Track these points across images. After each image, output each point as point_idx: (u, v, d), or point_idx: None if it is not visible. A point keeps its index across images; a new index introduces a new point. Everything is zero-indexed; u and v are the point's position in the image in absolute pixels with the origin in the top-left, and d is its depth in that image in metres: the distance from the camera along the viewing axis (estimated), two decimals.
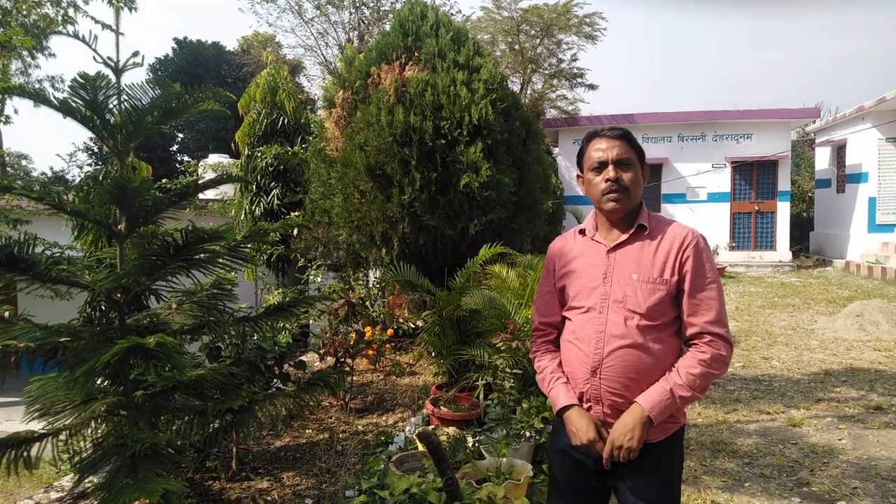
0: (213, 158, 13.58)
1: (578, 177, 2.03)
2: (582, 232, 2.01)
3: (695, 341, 1.83)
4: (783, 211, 14.76)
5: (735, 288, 11.65)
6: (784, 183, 14.77)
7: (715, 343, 1.80)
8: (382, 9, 16.36)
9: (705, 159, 14.88)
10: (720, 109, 14.87)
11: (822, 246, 16.22)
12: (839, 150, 15.73)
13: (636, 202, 1.92)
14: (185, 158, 22.80)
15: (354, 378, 5.67)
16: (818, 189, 17.32)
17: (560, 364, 1.97)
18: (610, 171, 1.86)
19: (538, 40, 15.49)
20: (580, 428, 1.82)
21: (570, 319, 1.95)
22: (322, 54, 17.14)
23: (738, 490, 3.57)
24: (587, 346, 1.84)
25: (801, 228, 17.95)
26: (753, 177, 14.91)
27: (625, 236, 1.89)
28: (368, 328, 5.95)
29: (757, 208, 14.89)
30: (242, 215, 8.96)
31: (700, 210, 14.97)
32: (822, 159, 16.99)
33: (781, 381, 5.73)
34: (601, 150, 1.89)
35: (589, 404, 1.87)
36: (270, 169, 8.85)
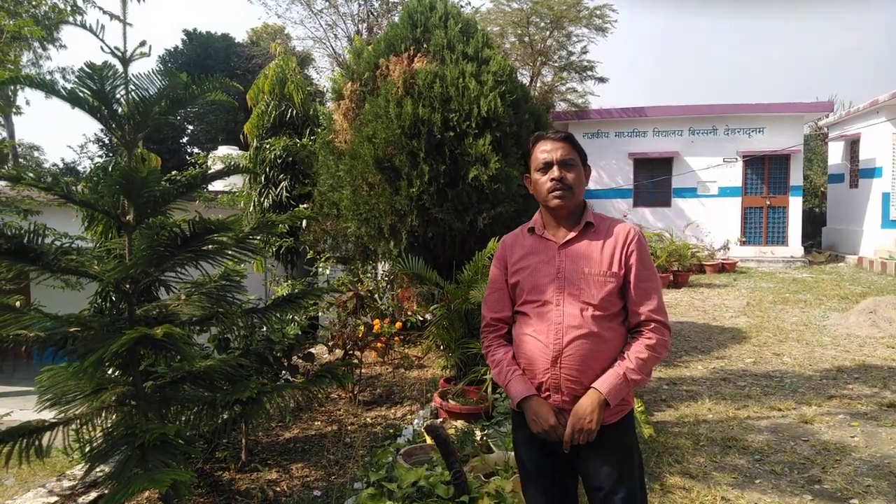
0: (223, 150, 13.59)
1: (525, 177, 2.15)
2: (531, 230, 2.10)
3: (641, 328, 1.98)
4: (795, 206, 14.62)
5: (746, 283, 11.57)
6: (796, 178, 14.63)
7: (659, 329, 1.97)
8: (391, 0, 16.30)
9: (716, 153, 14.75)
10: (732, 103, 14.73)
11: (835, 241, 16.08)
12: (853, 145, 15.56)
13: (580, 200, 2.05)
14: (195, 150, 22.87)
15: (363, 370, 5.67)
16: (831, 184, 17.16)
17: (513, 357, 2.05)
18: (555, 171, 1.99)
19: (548, 32, 15.37)
20: (541, 415, 1.92)
21: (525, 314, 2.03)
22: (331, 46, 17.11)
23: (748, 487, 3.54)
24: (546, 338, 1.94)
25: (814, 224, 17.79)
26: (765, 171, 14.77)
27: (573, 233, 2.01)
28: (377, 321, 5.95)
29: (768, 203, 14.76)
30: (251, 207, 8.97)
31: (711, 204, 14.86)
32: (836, 154, 16.81)
33: (793, 377, 5.68)
34: (546, 151, 2.03)
35: (547, 393, 1.96)
36: (279, 161, 8.86)
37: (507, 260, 2.11)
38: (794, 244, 14.54)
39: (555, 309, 1.95)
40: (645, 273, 1.98)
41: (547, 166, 2.01)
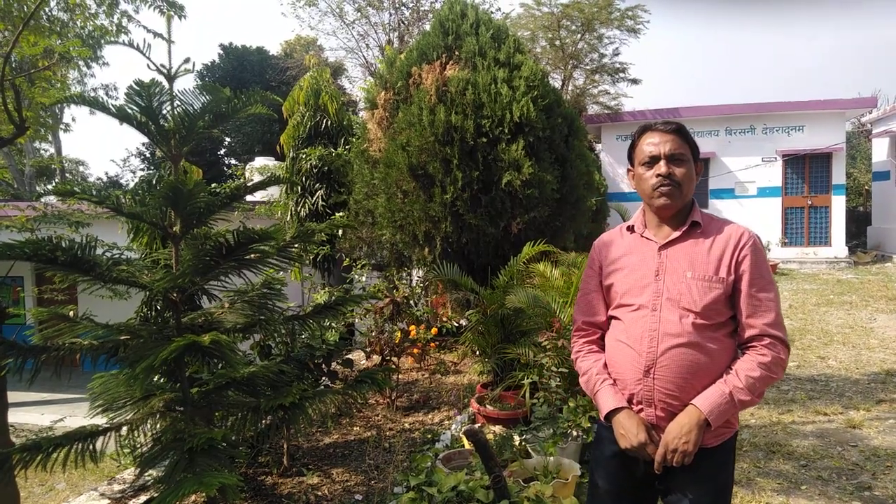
0: (259, 161, 13.87)
1: (629, 171, 1.97)
2: (630, 229, 1.95)
3: (753, 344, 1.75)
4: (838, 205, 14.21)
5: (788, 285, 11.29)
6: (839, 176, 14.22)
7: (775, 346, 1.73)
8: (422, 9, 16.44)
9: (755, 153, 14.45)
10: (770, 101, 14.43)
11: (881, 241, 15.56)
12: None
13: (688, 199, 1.85)
14: (233, 162, 23.38)
15: (400, 376, 5.72)
16: (876, 182, 16.63)
17: (605, 365, 1.90)
18: (662, 166, 1.81)
19: (579, 35, 15.31)
20: (630, 430, 1.75)
21: (618, 319, 1.88)
22: (363, 56, 17.34)
23: (794, 493, 3.46)
24: (639, 346, 1.78)
25: (858, 223, 17.26)
26: (806, 170, 14.41)
27: (677, 233, 1.83)
28: (413, 327, 6.00)
29: (810, 203, 14.38)
30: (288, 216, 9.14)
31: (750, 205, 14.55)
32: (880, 150, 16.29)
33: (839, 381, 5.52)
34: (653, 144, 1.84)
35: (640, 407, 1.79)
36: (315, 170, 9.00)
37: (600, 261, 1.97)
38: (838, 244, 14.13)
39: (650, 314, 1.78)
40: (760, 281, 1.75)
41: (653, 160, 1.83)
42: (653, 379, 1.76)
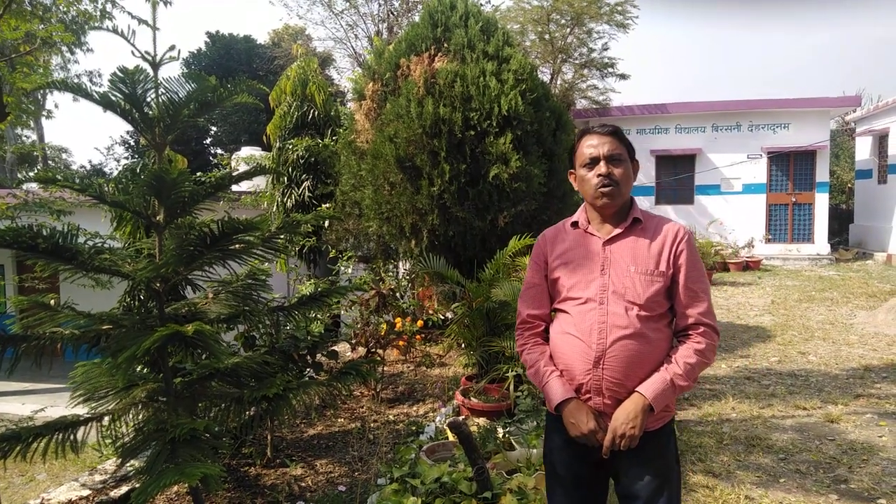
0: (246, 151, 13.74)
1: (570, 173, 2.06)
2: (574, 224, 2.03)
3: (689, 332, 1.90)
4: (821, 202, 14.38)
5: (771, 281, 11.42)
6: (822, 174, 14.38)
7: (708, 334, 1.89)
8: (411, 0, 16.35)
9: (740, 150, 14.57)
10: (756, 98, 14.54)
11: (863, 238, 15.78)
12: (881, 140, 15.26)
13: (627, 197, 1.96)
14: (219, 151, 23.17)
15: (385, 368, 5.72)
16: (858, 180, 16.84)
17: (550, 357, 1.98)
18: (602, 167, 1.91)
19: (568, 30, 15.29)
20: (580, 419, 1.84)
21: (565, 312, 1.95)
22: (351, 46, 17.23)
23: (772, 486, 3.51)
24: (589, 338, 1.86)
25: (840, 221, 17.48)
26: (790, 167, 14.55)
27: (620, 229, 1.93)
28: (399, 319, 6.00)
29: (794, 200, 14.54)
30: (274, 207, 9.08)
31: (735, 201, 14.68)
32: (863, 149, 16.50)
33: (818, 376, 5.60)
34: (593, 146, 1.94)
35: (588, 396, 1.88)
36: (301, 161, 8.94)
37: (546, 255, 2.03)
38: (821, 241, 14.31)
39: (598, 307, 1.86)
40: (694, 274, 1.89)
41: (593, 162, 1.92)
42: (602, 369, 1.85)
